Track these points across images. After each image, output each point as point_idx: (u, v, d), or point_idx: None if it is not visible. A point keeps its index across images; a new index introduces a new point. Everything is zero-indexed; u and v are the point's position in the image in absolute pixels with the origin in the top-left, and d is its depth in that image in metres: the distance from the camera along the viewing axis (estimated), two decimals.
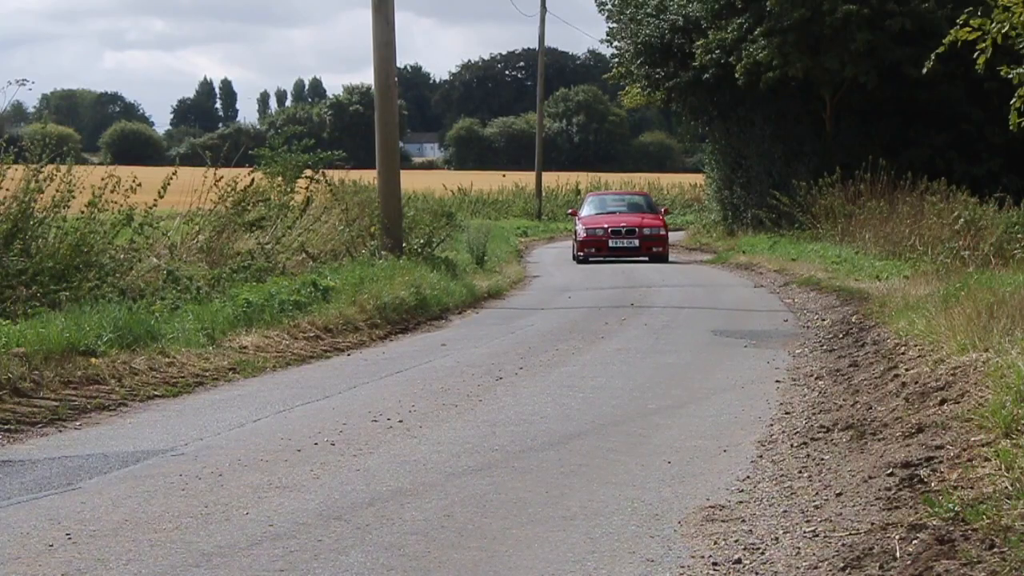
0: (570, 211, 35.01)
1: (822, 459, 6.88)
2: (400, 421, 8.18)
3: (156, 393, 9.39)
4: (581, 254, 28.86)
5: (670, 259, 28.69)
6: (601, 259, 28.37)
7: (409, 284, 15.36)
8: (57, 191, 12.82)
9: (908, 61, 27.02)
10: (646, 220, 29.39)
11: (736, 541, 5.38)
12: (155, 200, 14.25)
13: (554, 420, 8.25)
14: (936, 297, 11.26)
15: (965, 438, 6.22)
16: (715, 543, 5.36)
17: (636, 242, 28.60)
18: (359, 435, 7.72)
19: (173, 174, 14.66)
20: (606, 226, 28.96)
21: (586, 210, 30.95)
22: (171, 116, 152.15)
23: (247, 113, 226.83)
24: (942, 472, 5.77)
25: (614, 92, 72.73)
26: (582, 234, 29.03)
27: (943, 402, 7.24)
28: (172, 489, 6.32)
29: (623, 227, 28.90)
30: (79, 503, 6.04)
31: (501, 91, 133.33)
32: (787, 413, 8.50)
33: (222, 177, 16.70)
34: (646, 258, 28.40)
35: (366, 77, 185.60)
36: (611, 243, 28.55)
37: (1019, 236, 17.35)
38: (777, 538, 5.40)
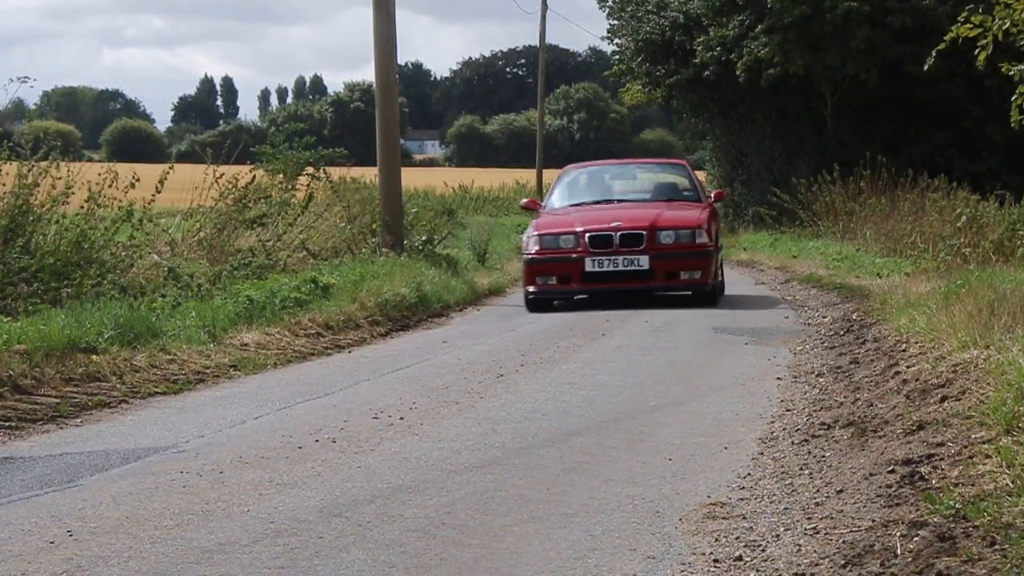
0: (523, 202, 20.09)
1: (823, 456, 6.87)
2: (401, 418, 8.17)
3: (157, 390, 9.39)
4: (531, 290, 15.30)
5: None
6: (578, 296, 15.57)
7: (410, 281, 15.36)
8: (54, 187, 12.83)
9: (909, 58, 27.07)
10: (667, 215, 15.58)
11: (737, 538, 5.37)
12: (153, 196, 14.28)
13: (555, 417, 8.24)
14: (937, 294, 11.24)
15: (966, 435, 6.21)
16: (716, 540, 5.35)
17: (642, 260, 14.98)
18: (360, 432, 7.71)
19: (170, 169, 14.72)
20: (579, 229, 15.22)
21: (556, 199, 17.08)
22: (172, 113, 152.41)
23: (248, 110, 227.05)
24: (943, 469, 5.76)
25: (615, 89, 72.64)
26: (532, 247, 15.43)
27: (944, 399, 7.23)
28: (173, 486, 6.31)
29: (615, 229, 15.09)
30: (80, 500, 6.04)
31: (502, 88, 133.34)
32: (788, 410, 8.49)
33: (223, 174, 16.72)
34: (687, 293, 15.48)
35: (366, 75, 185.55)
36: (589, 265, 15.00)
37: (1021, 233, 17.34)
38: (778, 535, 5.39)
